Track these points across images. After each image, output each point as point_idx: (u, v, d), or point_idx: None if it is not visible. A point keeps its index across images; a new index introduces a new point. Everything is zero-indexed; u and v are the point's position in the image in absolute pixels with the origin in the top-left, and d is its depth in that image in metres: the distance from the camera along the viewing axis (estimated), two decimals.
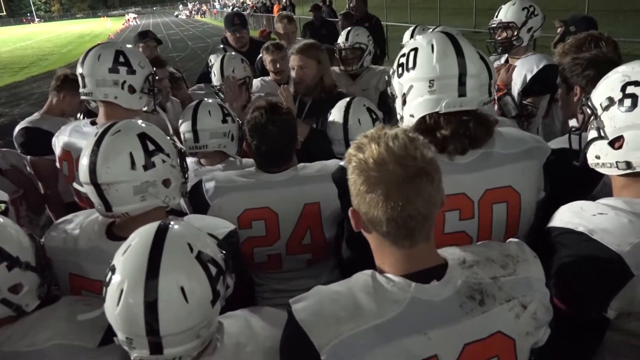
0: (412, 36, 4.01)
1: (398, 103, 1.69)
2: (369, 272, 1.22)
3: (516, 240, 1.36)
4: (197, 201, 2.02)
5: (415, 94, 1.61)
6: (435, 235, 1.53)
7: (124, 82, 2.35)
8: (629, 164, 1.40)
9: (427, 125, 1.59)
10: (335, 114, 2.73)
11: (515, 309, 1.18)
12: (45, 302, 1.56)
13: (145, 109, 2.50)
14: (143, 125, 1.71)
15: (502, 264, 1.24)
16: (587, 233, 1.33)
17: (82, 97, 2.42)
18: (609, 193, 1.55)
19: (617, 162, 1.42)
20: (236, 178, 2.06)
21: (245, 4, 40.19)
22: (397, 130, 1.19)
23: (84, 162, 1.61)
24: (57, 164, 2.60)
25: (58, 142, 2.54)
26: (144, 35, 4.77)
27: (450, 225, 1.59)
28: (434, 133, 1.57)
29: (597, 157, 1.48)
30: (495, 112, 3.18)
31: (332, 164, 2.09)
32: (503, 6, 3.44)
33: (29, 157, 3.19)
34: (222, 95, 3.52)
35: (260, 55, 4.14)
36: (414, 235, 1.16)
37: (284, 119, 2.09)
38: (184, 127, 2.58)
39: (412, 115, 1.63)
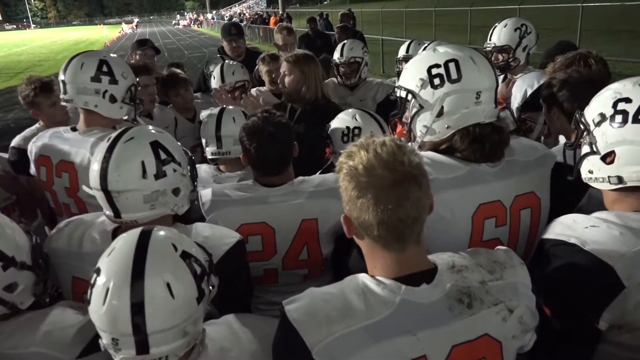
0: (407, 50, 4.06)
1: (427, 115, 1.67)
2: (360, 275, 1.26)
3: (504, 247, 1.41)
4: (193, 214, 2.00)
5: (459, 105, 1.62)
6: (474, 243, 1.60)
7: (105, 91, 2.37)
8: (620, 179, 1.43)
9: (473, 135, 1.63)
10: (367, 125, 2.60)
11: (502, 312, 1.22)
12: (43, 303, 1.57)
13: (125, 118, 2.51)
14: (156, 132, 1.71)
15: (489, 270, 1.28)
16: (580, 245, 1.36)
17: (62, 103, 2.45)
18: (594, 205, 1.60)
19: (609, 176, 1.46)
20: (233, 192, 2.05)
21: (242, 15, 40.44)
22: (385, 138, 1.23)
23: (95, 167, 1.61)
24: (34, 170, 2.56)
25: (35, 148, 2.51)
26: (143, 43, 4.77)
27: (488, 233, 1.64)
28: (482, 143, 1.61)
29: (590, 172, 1.52)
30: None
31: (332, 177, 2.09)
32: (495, 28, 3.45)
33: None
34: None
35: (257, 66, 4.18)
36: (405, 239, 1.20)
37: (281, 122, 2.10)
38: (207, 133, 2.59)
39: (448, 127, 1.64)
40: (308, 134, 3.06)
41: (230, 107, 2.73)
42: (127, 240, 1.24)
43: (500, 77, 3.60)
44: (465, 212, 1.59)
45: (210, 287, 1.32)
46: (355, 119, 2.59)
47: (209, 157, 2.62)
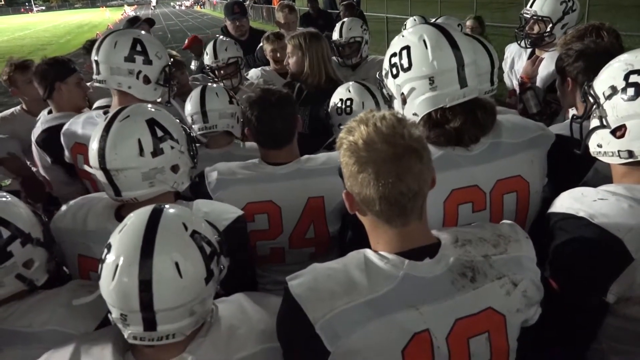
0: None
1: (397, 103, 1.67)
2: (363, 250, 1.26)
3: (509, 221, 1.39)
4: (199, 193, 2.00)
5: (416, 93, 1.59)
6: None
7: (139, 72, 2.29)
8: (630, 153, 1.41)
9: (434, 120, 1.60)
10: (360, 97, 2.56)
11: (506, 286, 1.22)
12: (53, 284, 1.59)
13: (159, 100, 2.46)
14: (152, 110, 1.71)
15: (493, 243, 1.28)
16: (588, 218, 1.35)
17: (95, 84, 2.38)
18: (600, 179, 1.57)
19: (619, 150, 1.43)
20: (238, 170, 2.03)
21: None
22: (385, 112, 1.22)
23: (93, 146, 1.62)
24: (69, 157, 2.54)
25: (68, 135, 2.48)
26: (134, 21, 4.60)
27: (464, 218, 1.60)
28: (443, 126, 1.59)
29: (599, 146, 1.49)
30: (517, 107, 3.04)
31: (337, 155, 2.06)
32: None
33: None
34: (211, 75, 3.61)
35: (261, 44, 4.14)
36: (407, 213, 1.19)
37: (282, 93, 2.11)
38: (192, 109, 2.60)
39: (415, 114, 1.62)
40: (313, 117, 3.05)
41: (213, 84, 2.73)
42: (138, 217, 1.25)
43: (528, 52, 3.39)
44: (437, 198, 1.55)
45: (221, 267, 1.32)
46: (349, 91, 2.58)
47: (197, 133, 2.62)
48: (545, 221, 1.50)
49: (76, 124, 2.47)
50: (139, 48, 2.28)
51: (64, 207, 1.83)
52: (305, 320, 1.14)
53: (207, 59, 3.63)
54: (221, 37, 3.86)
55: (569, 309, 1.40)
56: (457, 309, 1.17)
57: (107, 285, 1.18)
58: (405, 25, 4.08)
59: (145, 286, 1.15)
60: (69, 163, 2.60)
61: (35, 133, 2.75)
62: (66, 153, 2.54)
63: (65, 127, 2.51)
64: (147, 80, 2.32)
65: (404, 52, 1.59)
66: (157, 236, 1.19)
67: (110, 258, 1.19)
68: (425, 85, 1.57)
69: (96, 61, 2.30)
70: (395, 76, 1.63)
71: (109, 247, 1.22)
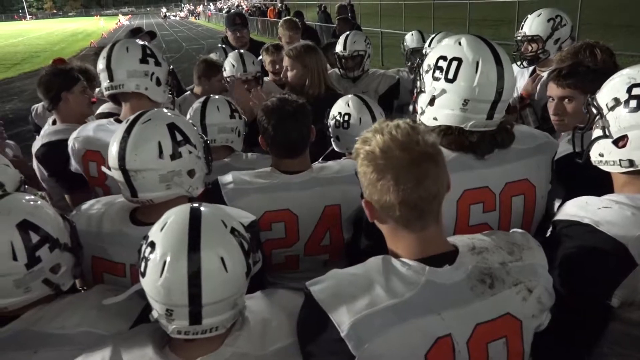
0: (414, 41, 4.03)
1: (423, 99, 1.70)
2: (383, 256, 1.28)
3: (520, 230, 1.44)
4: (214, 201, 1.95)
5: (446, 104, 1.62)
6: (460, 227, 1.61)
7: (153, 73, 2.37)
8: (631, 162, 1.47)
9: (451, 130, 1.65)
10: (357, 112, 2.54)
11: (522, 292, 1.26)
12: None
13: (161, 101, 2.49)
14: (172, 115, 1.75)
15: (509, 251, 1.32)
16: (593, 225, 1.40)
17: (108, 92, 2.38)
18: None
19: (620, 160, 1.49)
20: (253, 179, 2.04)
21: (240, 7, 40.29)
22: (398, 121, 1.26)
23: (113, 147, 1.65)
24: (78, 167, 2.46)
25: (78, 143, 2.41)
26: (137, 32, 4.71)
27: (475, 218, 1.66)
28: (459, 137, 1.64)
29: (601, 155, 1.55)
30: (517, 122, 3.12)
31: (350, 164, 2.09)
32: (529, 17, 3.34)
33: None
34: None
35: (260, 56, 4.18)
36: (425, 217, 1.23)
37: (299, 102, 2.12)
38: (192, 122, 2.58)
39: (435, 119, 1.65)
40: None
41: (216, 96, 2.73)
42: (179, 215, 1.26)
43: (529, 70, 3.49)
44: (450, 197, 1.55)
45: (256, 261, 1.36)
46: (348, 105, 2.58)
47: None
48: (550, 228, 1.54)
49: (86, 131, 2.43)
50: (148, 51, 2.38)
51: (78, 210, 1.85)
52: (330, 326, 1.16)
53: (232, 70, 3.60)
54: (242, 50, 3.87)
55: (573, 311, 1.44)
56: (477, 314, 1.21)
57: (154, 282, 1.19)
58: (406, 36, 4.16)
59: (194, 280, 1.18)
60: (68, 176, 2.54)
61: (36, 146, 2.73)
62: (73, 162, 2.46)
63: (74, 134, 2.45)
64: (158, 82, 2.40)
65: (454, 64, 1.60)
66: (201, 232, 1.21)
67: (156, 255, 1.20)
68: (458, 103, 1.60)
69: (108, 68, 2.32)
70: (435, 79, 1.64)
71: (152, 245, 1.22)
